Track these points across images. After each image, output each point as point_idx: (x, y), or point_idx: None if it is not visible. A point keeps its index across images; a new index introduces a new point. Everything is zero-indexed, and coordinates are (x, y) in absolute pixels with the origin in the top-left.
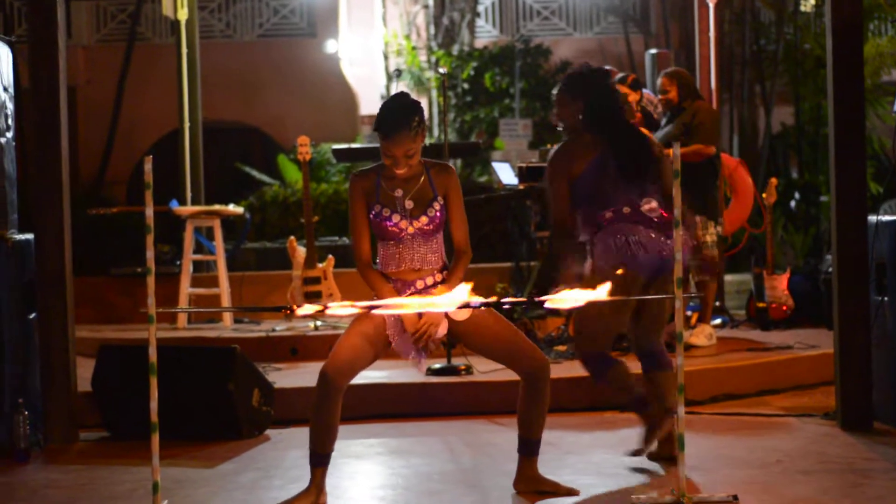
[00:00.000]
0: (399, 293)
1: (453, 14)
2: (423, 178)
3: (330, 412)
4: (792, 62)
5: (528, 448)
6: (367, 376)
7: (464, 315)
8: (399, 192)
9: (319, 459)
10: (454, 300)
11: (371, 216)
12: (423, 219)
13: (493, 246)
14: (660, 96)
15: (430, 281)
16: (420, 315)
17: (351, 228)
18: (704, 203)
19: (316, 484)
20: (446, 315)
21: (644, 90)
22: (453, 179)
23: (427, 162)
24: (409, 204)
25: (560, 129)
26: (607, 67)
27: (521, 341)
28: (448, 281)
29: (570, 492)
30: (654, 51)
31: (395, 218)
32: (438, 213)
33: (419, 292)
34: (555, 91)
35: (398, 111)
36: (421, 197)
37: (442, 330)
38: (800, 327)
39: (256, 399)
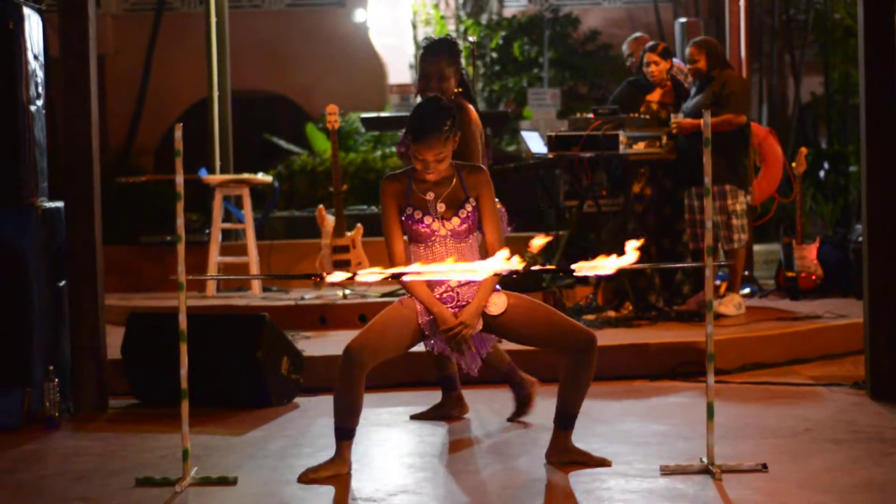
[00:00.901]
0: (432, 290)
1: None
2: (454, 181)
3: (353, 390)
4: (822, 31)
5: (565, 421)
6: None
7: (500, 308)
8: (431, 196)
9: (344, 433)
10: (491, 267)
11: (403, 219)
12: (455, 220)
13: (522, 215)
14: (689, 66)
15: (456, 283)
16: (455, 316)
17: (384, 231)
18: (734, 172)
19: (341, 455)
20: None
21: (674, 59)
22: (484, 179)
23: (458, 164)
24: (441, 207)
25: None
26: (638, 34)
27: (563, 322)
28: (481, 285)
29: (602, 462)
30: (683, 20)
31: (428, 220)
32: (470, 214)
33: (454, 290)
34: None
35: (430, 115)
36: (453, 199)
37: (478, 327)
38: (829, 297)
39: (285, 367)
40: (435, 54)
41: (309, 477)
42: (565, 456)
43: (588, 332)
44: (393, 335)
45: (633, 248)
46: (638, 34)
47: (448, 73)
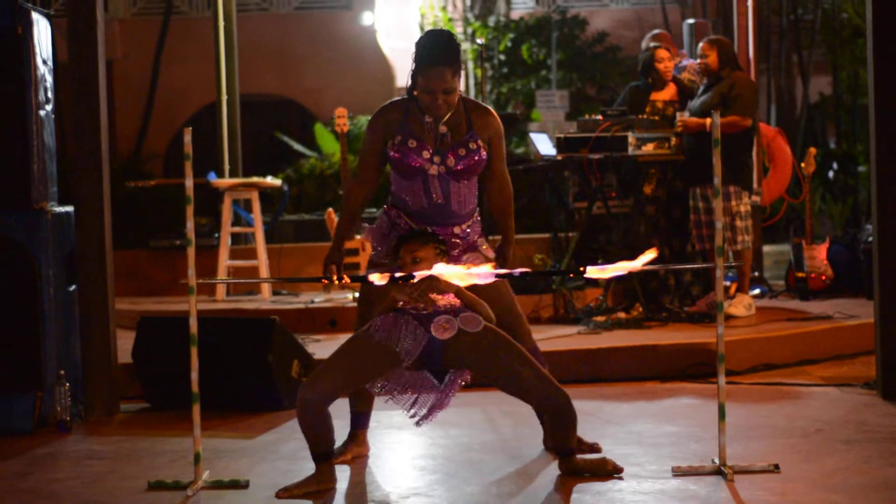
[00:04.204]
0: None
1: None
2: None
3: (315, 424)
4: (829, 31)
5: (565, 453)
6: None
7: (449, 331)
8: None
9: (321, 457)
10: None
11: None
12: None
13: (532, 216)
14: (699, 61)
15: (458, 230)
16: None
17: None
18: (738, 174)
19: (324, 471)
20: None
21: (689, 60)
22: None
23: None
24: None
25: None
26: (655, 31)
27: (533, 380)
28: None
29: (615, 471)
30: (691, 20)
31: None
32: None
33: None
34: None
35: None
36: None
37: (445, 297)
38: (839, 297)
39: (296, 370)
40: (438, 63)
41: (292, 492)
42: (574, 472)
43: (559, 395)
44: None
45: (645, 260)
46: (656, 31)
47: (454, 84)
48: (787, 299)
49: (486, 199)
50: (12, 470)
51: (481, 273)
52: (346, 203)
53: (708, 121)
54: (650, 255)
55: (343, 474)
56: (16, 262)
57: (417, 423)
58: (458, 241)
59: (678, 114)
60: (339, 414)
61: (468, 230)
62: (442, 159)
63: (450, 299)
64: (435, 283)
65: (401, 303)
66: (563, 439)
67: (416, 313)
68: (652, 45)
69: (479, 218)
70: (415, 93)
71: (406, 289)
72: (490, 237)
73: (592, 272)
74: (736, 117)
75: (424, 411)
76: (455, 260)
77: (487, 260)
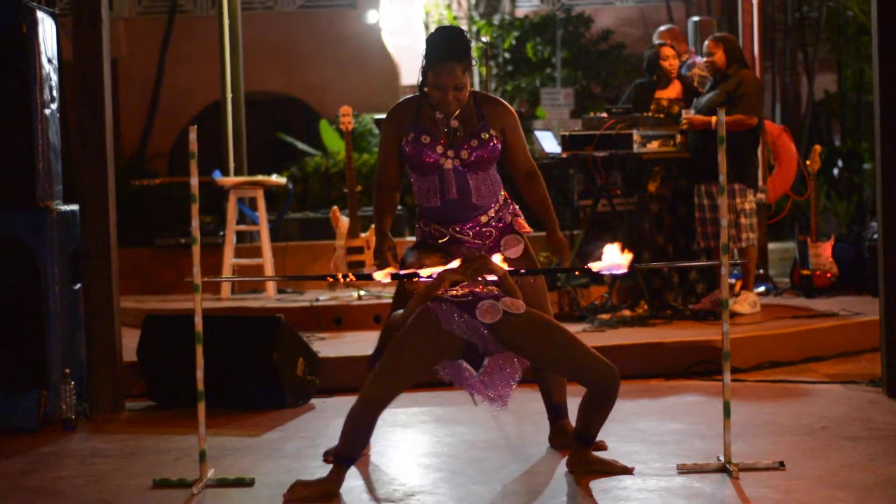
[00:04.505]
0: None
1: None
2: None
3: (368, 429)
4: (834, 29)
5: (585, 440)
6: None
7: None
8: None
9: (347, 461)
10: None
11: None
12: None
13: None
14: (705, 59)
15: (486, 218)
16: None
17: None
18: (743, 171)
19: (338, 476)
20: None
21: (698, 58)
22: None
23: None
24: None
25: None
26: (665, 27)
27: (587, 357)
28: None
29: (624, 470)
30: (696, 18)
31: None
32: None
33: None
34: None
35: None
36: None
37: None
38: (844, 294)
39: (301, 368)
40: (448, 59)
41: (299, 494)
42: (586, 467)
43: (612, 371)
44: (417, 366)
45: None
46: (664, 27)
47: (465, 80)
48: (792, 297)
49: (521, 193)
50: (17, 468)
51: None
52: (377, 213)
53: (713, 119)
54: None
55: (348, 472)
56: (21, 260)
57: (497, 405)
58: (489, 229)
59: (684, 112)
60: (339, 413)
61: (499, 214)
62: (456, 153)
63: (490, 288)
64: (487, 264)
65: (441, 289)
66: (591, 424)
67: (457, 300)
68: (657, 42)
69: (509, 200)
70: (425, 89)
71: (461, 268)
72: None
73: (595, 267)
74: (742, 115)
75: (493, 393)
76: (491, 250)
77: (522, 239)
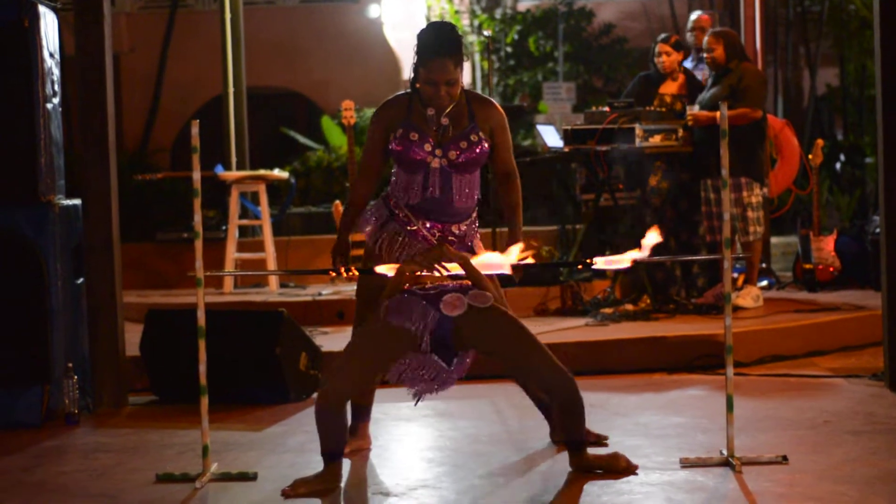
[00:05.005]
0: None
1: None
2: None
3: (338, 417)
4: (837, 23)
5: (576, 446)
6: None
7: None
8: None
9: (332, 456)
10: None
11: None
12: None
13: (539, 209)
14: (706, 55)
15: (458, 230)
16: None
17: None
18: (750, 165)
19: (332, 471)
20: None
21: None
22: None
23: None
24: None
25: None
26: (664, 36)
27: (543, 361)
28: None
29: (628, 469)
30: (698, 12)
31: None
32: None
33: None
34: None
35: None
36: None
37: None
38: (847, 288)
39: (304, 363)
40: (440, 54)
41: (297, 491)
42: (586, 469)
43: (565, 381)
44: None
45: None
46: (664, 35)
47: (457, 75)
48: (795, 291)
49: (494, 192)
50: (20, 463)
51: (491, 262)
52: (351, 198)
53: (717, 113)
54: (653, 237)
55: (348, 467)
56: (23, 255)
57: (417, 401)
58: (454, 239)
59: (688, 108)
60: None
61: (465, 230)
62: (444, 152)
63: (458, 281)
64: (445, 252)
65: (407, 283)
66: (571, 430)
67: (424, 293)
68: (660, 38)
69: (476, 218)
70: (417, 85)
71: (417, 257)
72: (497, 229)
73: (601, 263)
74: (746, 109)
75: (427, 388)
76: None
77: (490, 298)
